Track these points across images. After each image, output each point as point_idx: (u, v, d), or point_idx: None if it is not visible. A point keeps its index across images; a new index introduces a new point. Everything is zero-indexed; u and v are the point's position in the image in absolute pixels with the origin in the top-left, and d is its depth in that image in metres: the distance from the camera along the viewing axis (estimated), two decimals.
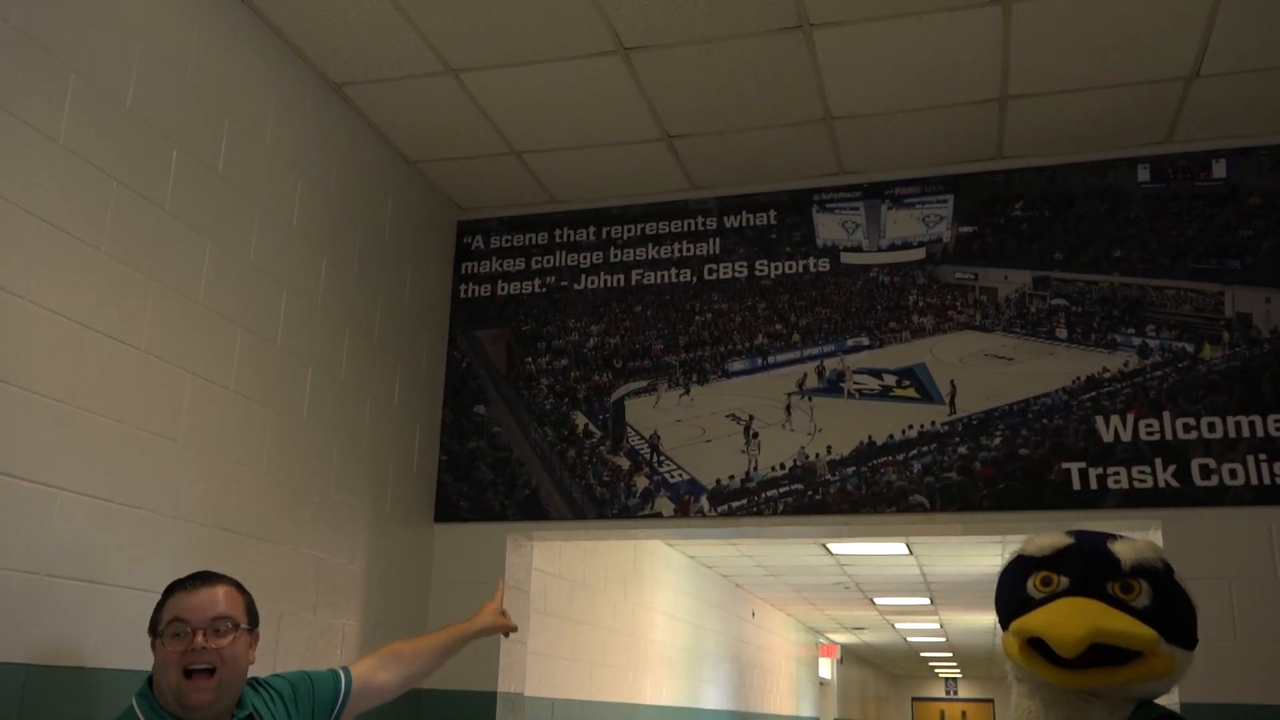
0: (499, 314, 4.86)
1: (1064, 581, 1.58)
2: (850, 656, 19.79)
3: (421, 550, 4.47)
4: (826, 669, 17.41)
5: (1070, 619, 1.50)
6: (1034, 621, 1.55)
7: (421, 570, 4.46)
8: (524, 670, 4.60)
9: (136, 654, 2.67)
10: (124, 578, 2.84)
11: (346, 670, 2.61)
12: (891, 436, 4.25)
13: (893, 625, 14.73)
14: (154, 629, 2.24)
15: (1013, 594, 1.64)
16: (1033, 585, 1.61)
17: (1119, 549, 1.60)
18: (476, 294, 4.91)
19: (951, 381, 4.28)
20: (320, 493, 3.81)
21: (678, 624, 8.62)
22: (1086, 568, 1.58)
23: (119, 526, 2.86)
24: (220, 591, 2.27)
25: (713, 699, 9.57)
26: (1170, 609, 1.56)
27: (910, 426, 4.25)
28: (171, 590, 2.28)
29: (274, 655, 3.47)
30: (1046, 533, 1.69)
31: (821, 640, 16.67)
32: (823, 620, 14.50)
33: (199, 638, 2.18)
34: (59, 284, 2.73)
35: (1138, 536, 1.67)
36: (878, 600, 11.93)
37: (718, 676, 9.82)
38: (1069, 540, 1.64)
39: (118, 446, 2.88)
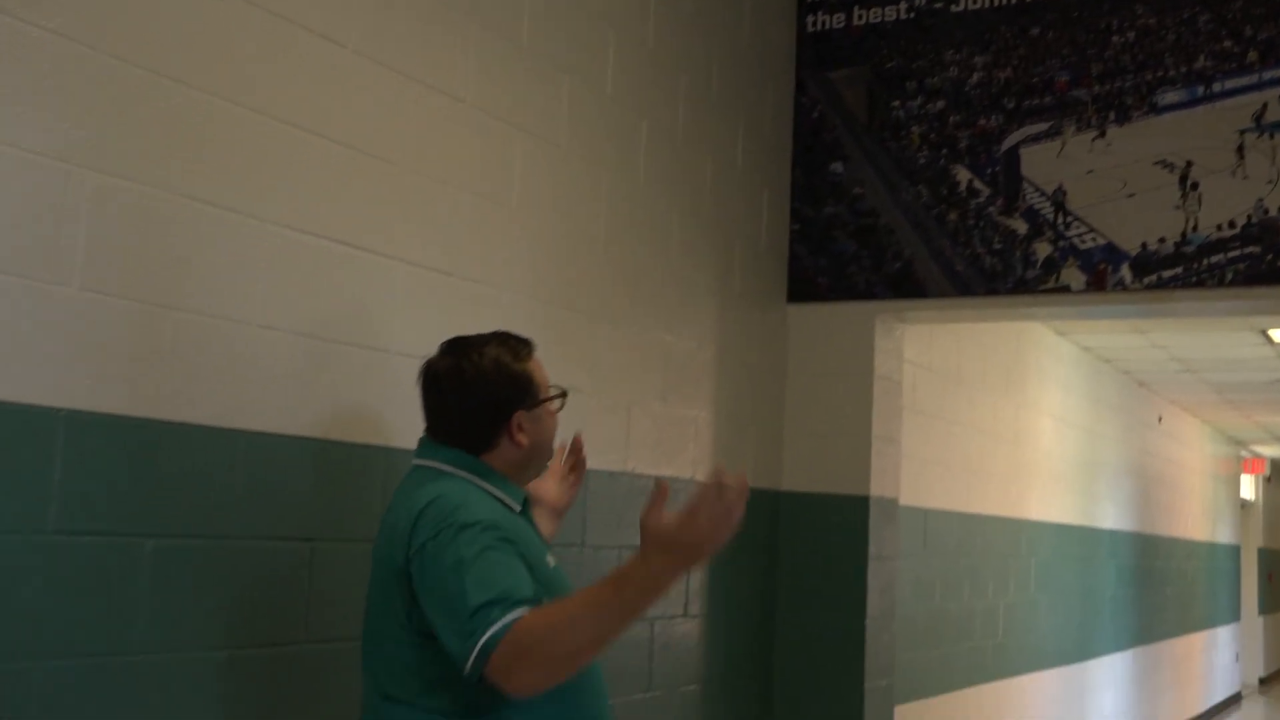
0: (856, 49, 4.69)
1: None
2: None
3: (774, 335, 4.53)
4: (1249, 489, 16.64)
5: None
6: None
7: (776, 358, 4.53)
8: (898, 474, 4.64)
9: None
10: None
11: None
12: None
13: None
14: (538, 396, 2.39)
15: None
16: None
17: None
18: (827, 26, 4.75)
19: None
20: (663, 267, 3.90)
21: (1069, 429, 8.42)
22: None
23: (460, 302, 3.06)
24: None
25: (1110, 519, 9.38)
26: None
27: None
28: (529, 353, 2.43)
29: (625, 449, 3.66)
30: None
31: (1245, 454, 15.88)
32: (1249, 429, 13.75)
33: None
34: (377, 29, 2.86)
35: None
36: None
37: (1116, 493, 9.59)
38: None
39: (455, 214, 3.05)
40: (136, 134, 2.34)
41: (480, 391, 2.34)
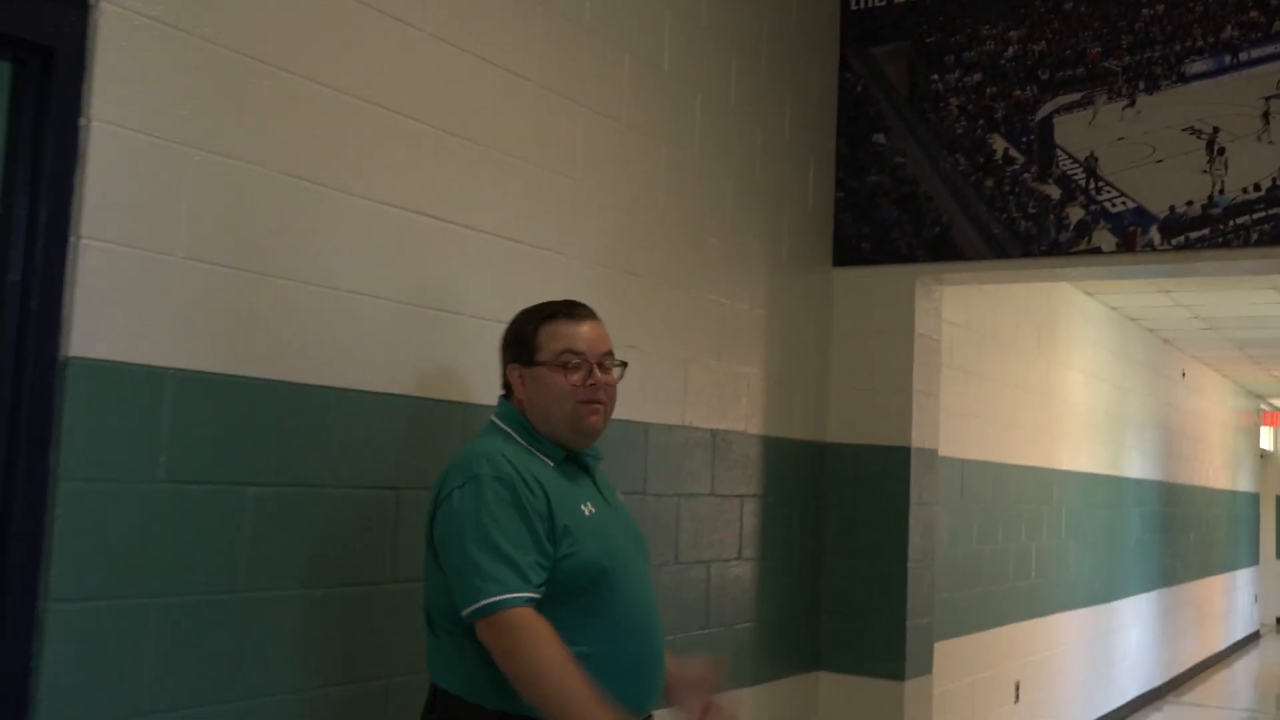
0: (896, 26, 4.63)
1: None
2: None
3: (821, 297, 4.51)
4: (1268, 440, 16.39)
5: None
6: None
7: (822, 318, 4.51)
8: (937, 426, 4.62)
9: None
10: None
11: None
12: None
13: None
14: (531, 356, 2.35)
15: None
16: None
17: None
18: (869, 4, 4.69)
19: None
20: (716, 233, 3.89)
21: (1097, 384, 8.32)
22: None
23: (531, 269, 3.07)
24: (600, 326, 2.42)
25: (1136, 468, 9.28)
26: None
27: None
28: (551, 316, 2.38)
29: (682, 403, 3.66)
30: None
31: (1264, 407, 15.62)
32: (1268, 383, 13.51)
33: (597, 372, 2.35)
34: (451, 13, 2.86)
35: None
36: None
37: (1142, 444, 9.47)
38: None
39: (525, 186, 3.06)
40: (235, 114, 2.36)
41: (502, 343, 2.44)
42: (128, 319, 2.17)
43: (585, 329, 2.37)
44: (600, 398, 2.35)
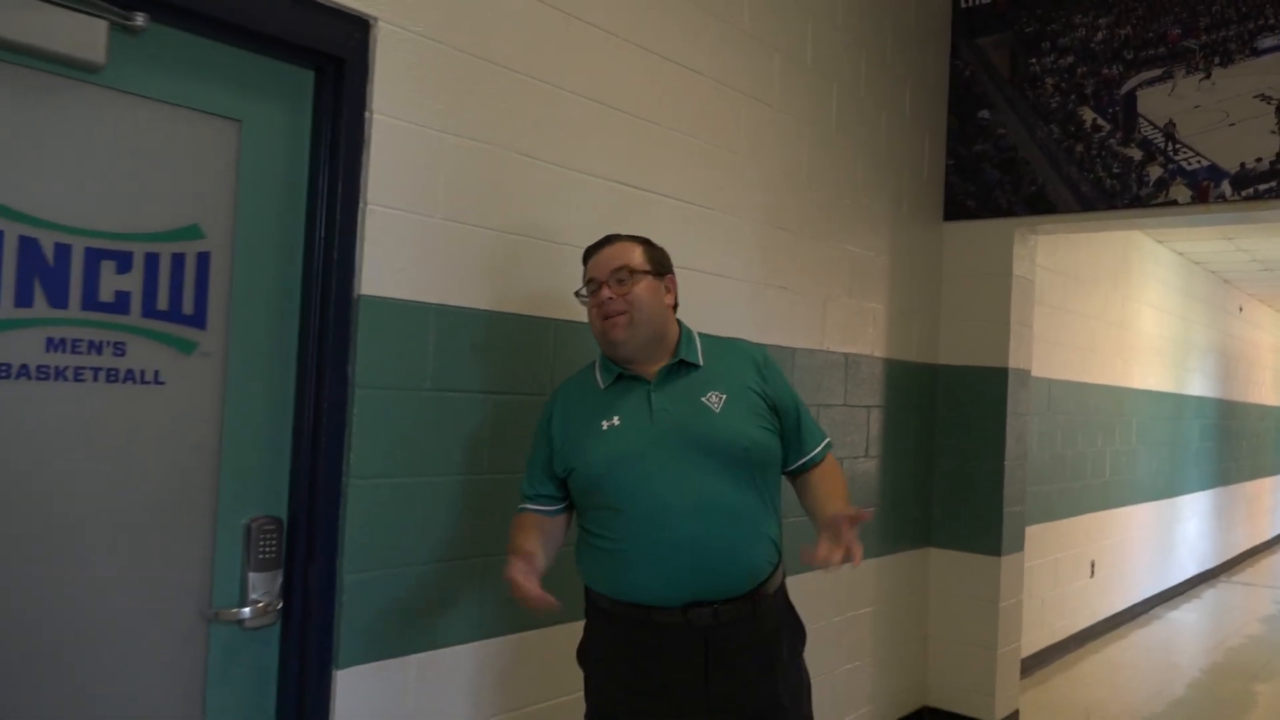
0: (1000, 19, 4.37)
1: None
2: None
3: (933, 246, 4.34)
4: None
5: None
6: None
7: (934, 263, 4.35)
8: (1031, 351, 4.42)
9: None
10: (711, 267, 3.03)
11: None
12: None
13: None
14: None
15: None
16: None
17: None
18: (976, 1, 4.44)
19: None
20: (849, 195, 3.77)
21: (1164, 316, 7.83)
22: None
23: (707, 226, 3.03)
24: (618, 247, 2.12)
25: (1197, 387, 8.73)
26: None
27: None
28: (585, 256, 2.18)
29: (822, 332, 3.59)
30: None
31: None
32: None
33: (604, 290, 2.09)
34: (638, 20, 2.81)
35: None
36: None
37: (1203, 367, 8.90)
38: None
39: (700, 160, 3.01)
40: (479, 106, 2.38)
41: None
42: (402, 266, 2.23)
43: (599, 256, 2.11)
44: (611, 310, 2.06)
